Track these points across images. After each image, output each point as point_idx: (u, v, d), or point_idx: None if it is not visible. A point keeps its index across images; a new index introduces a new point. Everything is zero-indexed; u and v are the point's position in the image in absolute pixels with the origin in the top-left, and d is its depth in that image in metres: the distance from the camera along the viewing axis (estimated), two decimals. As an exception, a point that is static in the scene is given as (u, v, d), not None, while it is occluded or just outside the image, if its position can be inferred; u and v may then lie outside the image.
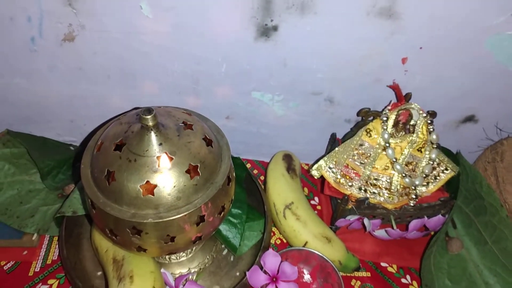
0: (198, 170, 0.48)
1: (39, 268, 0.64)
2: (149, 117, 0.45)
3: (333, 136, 0.70)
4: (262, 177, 0.77)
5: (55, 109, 0.70)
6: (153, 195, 0.46)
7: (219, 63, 0.61)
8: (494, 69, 0.62)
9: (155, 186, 0.46)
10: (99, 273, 0.63)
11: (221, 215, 0.53)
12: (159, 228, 0.47)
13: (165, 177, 0.46)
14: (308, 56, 0.60)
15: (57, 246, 0.67)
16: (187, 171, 0.47)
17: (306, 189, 0.75)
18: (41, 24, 0.56)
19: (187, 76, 0.63)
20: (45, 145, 0.74)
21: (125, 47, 0.59)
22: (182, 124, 0.50)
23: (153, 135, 0.47)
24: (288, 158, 0.73)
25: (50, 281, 0.62)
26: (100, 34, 0.57)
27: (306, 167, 0.80)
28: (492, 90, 0.65)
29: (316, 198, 0.76)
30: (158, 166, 0.46)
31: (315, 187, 0.77)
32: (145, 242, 0.49)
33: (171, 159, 0.47)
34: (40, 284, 0.62)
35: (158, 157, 0.47)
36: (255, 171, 0.78)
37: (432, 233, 0.70)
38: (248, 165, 0.79)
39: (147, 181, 0.46)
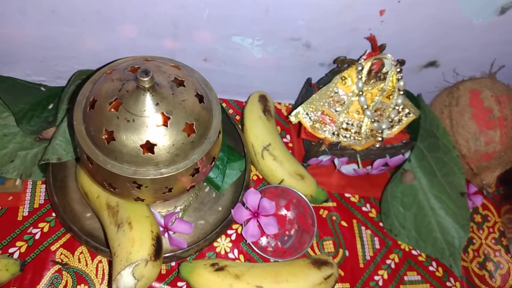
0: (194, 127, 0.50)
1: (27, 213, 0.65)
2: (146, 79, 0.46)
3: (308, 80, 0.73)
4: (237, 117, 0.80)
5: (24, 49, 0.66)
6: (153, 153, 0.49)
7: (202, 8, 0.60)
8: (460, 21, 0.66)
9: (155, 145, 0.48)
10: (88, 214, 0.66)
11: (212, 164, 0.57)
12: (158, 182, 0.50)
13: (164, 136, 0.48)
14: (290, 5, 0.60)
15: (41, 190, 0.68)
16: (184, 130, 0.49)
17: (278, 128, 0.80)
18: (10, -36, 0.51)
19: (168, 21, 0.62)
20: (15, 86, 0.71)
21: (102, -9, 0.56)
22: (174, 81, 0.51)
23: (149, 96, 0.48)
24: (263, 100, 0.76)
25: (40, 225, 0.65)
26: (76, -24, 0.54)
27: (279, 107, 0.83)
28: (455, 40, 0.70)
29: (288, 136, 0.81)
30: (157, 125, 0.48)
31: (286, 126, 0.82)
32: (144, 194, 0.52)
33: (168, 118, 0.48)
34: (31, 227, 0.64)
35: (155, 117, 0.48)
36: (230, 111, 0.81)
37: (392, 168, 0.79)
38: (224, 105, 0.81)
39: (147, 141, 0.48)
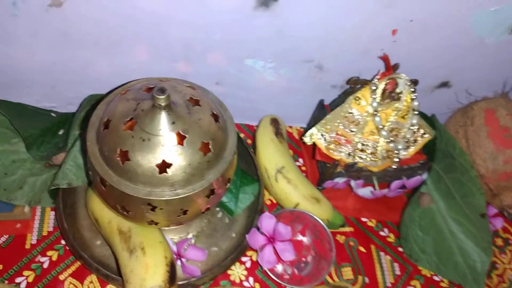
0: (210, 147, 0.49)
1: (35, 241, 0.63)
2: (162, 97, 0.45)
3: (321, 102, 0.72)
4: (249, 141, 0.79)
5: (35, 75, 0.66)
6: (168, 173, 0.47)
7: (214, 31, 0.60)
8: (472, 41, 0.66)
9: (171, 164, 0.47)
10: (99, 242, 0.64)
11: (227, 186, 0.55)
12: (173, 203, 0.49)
13: (180, 155, 0.47)
14: (304, 26, 0.60)
15: (51, 217, 0.66)
16: (200, 149, 0.48)
17: (291, 151, 0.79)
18: (25, -12, 0.52)
19: (180, 43, 0.62)
20: (24, 112, 0.70)
21: (115, 13, 0.56)
22: (190, 100, 0.50)
23: (165, 115, 0.47)
24: (275, 123, 0.75)
25: (49, 253, 0.63)
26: None
27: (290, 130, 0.82)
28: (467, 60, 0.70)
29: (301, 160, 0.79)
30: (173, 144, 0.47)
31: (298, 149, 0.81)
32: (158, 217, 0.51)
33: (184, 137, 0.47)
34: (39, 256, 0.62)
35: (171, 136, 0.47)
36: (242, 135, 0.80)
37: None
38: (235, 129, 0.80)
39: (163, 160, 0.47)
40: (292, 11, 0.58)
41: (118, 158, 0.47)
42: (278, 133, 0.74)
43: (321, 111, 0.71)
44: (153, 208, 0.49)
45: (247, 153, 0.73)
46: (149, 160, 0.47)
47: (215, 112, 0.52)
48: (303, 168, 0.78)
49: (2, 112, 0.66)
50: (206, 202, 0.52)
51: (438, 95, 0.78)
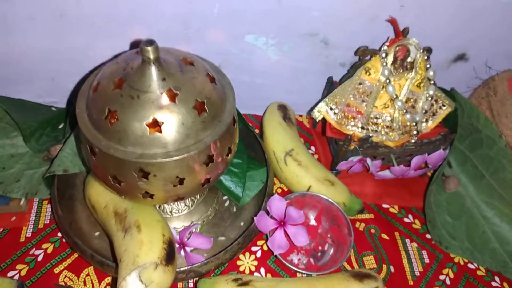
0: (205, 106, 0.45)
1: (30, 233, 0.60)
2: (150, 48, 0.42)
3: (329, 79, 0.68)
4: (257, 131, 0.75)
5: (34, 66, 0.65)
6: (161, 132, 0.43)
7: (212, 3, 0.58)
8: (487, 2, 0.61)
9: (162, 123, 0.43)
10: (97, 233, 0.60)
11: (228, 157, 0.51)
12: (168, 168, 0.45)
13: (172, 113, 0.43)
14: (304, -8, 0.58)
15: (47, 210, 0.63)
16: (194, 107, 0.45)
17: (302, 139, 0.74)
18: (16, -36, 0.51)
19: (178, 20, 0.60)
20: (24, 107, 0.69)
21: (110, -11, 0.55)
22: (183, 60, 0.47)
23: (155, 69, 0.44)
24: (283, 108, 0.72)
25: (44, 246, 0.59)
26: (83, -26, 0.53)
27: (300, 119, 0.78)
28: (482, 26, 0.66)
29: (313, 148, 0.75)
30: (164, 102, 0.43)
31: (310, 137, 0.76)
32: (152, 186, 0.46)
33: (176, 94, 0.44)
34: (34, 249, 0.58)
35: (162, 93, 0.44)
36: (250, 125, 0.76)
37: (431, 172, 0.71)
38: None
39: (154, 118, 0.43)
40: (290, -25, 0.55)
41: (106, 119, 0.44)
42: (286, 117, 0.70)
43: (331, 88, 0.67)
44: (146, 175, 0.45)
45: (254, 141, 0.68)
46: (139, 119, 0.43)
47: (210, 74, 0.48)
48: (316, 156, 0.73)
49: (1, 106, 0.65)
50: (204, 171, 0.48)
51: (455, 70, 0.73)
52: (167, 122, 0.43)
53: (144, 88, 0.44)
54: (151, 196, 0.48)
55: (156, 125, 0.44)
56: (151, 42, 0.43)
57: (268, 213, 0.60)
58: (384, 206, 0.69)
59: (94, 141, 0.44)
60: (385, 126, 0.62)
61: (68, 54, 0.63)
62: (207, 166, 0.48)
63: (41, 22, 0.58)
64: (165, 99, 0.44)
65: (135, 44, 0.61)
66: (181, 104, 0.44)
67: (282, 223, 0.59)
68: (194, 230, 0.60)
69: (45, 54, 0.63)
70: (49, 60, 0.64)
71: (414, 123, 0.62)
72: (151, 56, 0.43)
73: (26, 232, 0.60)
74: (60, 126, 0.69)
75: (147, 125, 0.43)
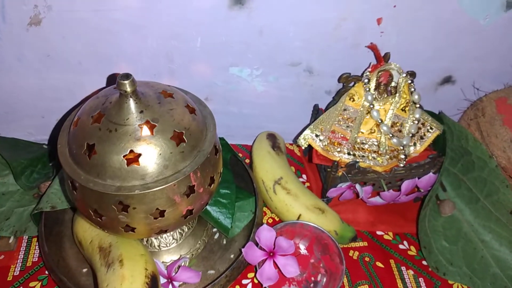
0: (184, 137, 0.46)
1: (18, 272, 0.59)
2: (127, 82, 0.43)
3: (315, 107, 0.69)
4: (247, 160, 0.75)
5: (24, 105, 0.66)
6: (139, 164, 0.44)
7: (194, 37, 0.59)
8: (466, 24, 0.62)
9: (140, 155, 0.44)
10: (85, 270, 0.59)
11: (211, 187, 0.50)
12: (147, 200, 0.45)
13: (150, 145, 0.44)
14: (284, 23, 0.59)
15: (36, 248, 0.62)
16: (172, 138, 0.45)
17: (293, 168, 0.74)
18: (3, 7, 0.53)
19: (161, 54, 0.61)
20: (17, 145, 0.70)
21: (94, 28, 0.57)
22: (162, 93, 0.48)
23: (132, 102, 0.44)
24: (272, 137, 0.72)
25: (31, 284, 0.58)
26: (68, 14, 0.55)
27: (291, 147, 0.78)
28: (466, 47, 0.66)
29: (304, 176, 0.74)
30: (141, 134, 0.44)
31: (301, 165, 0.76)
32: (133, 219, 0.46)
33: (154, 126, 0.44)
34: (21, 287, 0.57)
35: (140, 125, 0.44)
36: (240, 155, 0.76)
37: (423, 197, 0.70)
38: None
39: (131, 150, 0.43)
40: (268, 7, 0.57)
41: (85, 154, 0.44)
42: (275, 146, 0.70)
43: (317, 115, 0.67)
44: (125, 208, 0.45)
45: (243, 171, 0.68)
46: (117, 152, 0.43)
47: (190, 105, 0.49)
48: (307, 184, 0.73)
49: (-8, 145, 0.66)
50: (185, 202, 0.47)
51: (443, 93, 0.73)
52: (144, 153, 0.44)
53: (121, 121, 0.44)
54: (133, 229, 0.47)
55: (134, 157, 0.44)
56: (127, 76, 0.43)
57: (257, 244, 0.59)
58: (378, 233, 0.67)
59: (74, 176, 0.45)
60: (372, 151, 0.62)
61: (56, 92, 0.65)
62: (188, 197, 0.47)
63: (29, 63, 0.60)
64: (143, 131, 0.44)
65: (111, 79, 0.62)
66: (159, 135, 0.44)
67: (271, 254, 0.58)
68: (182, 264, 0.59)
69: (34, 93, 0.64)
70: (38, 99, 0.65)
71: (401, 147, 0.61)
72: (128, 89, 0.43)
73: (14, 271, 0.59)
74: (51, 164, 0.69)
75: (125, 158, 0.43)
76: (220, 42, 0.60)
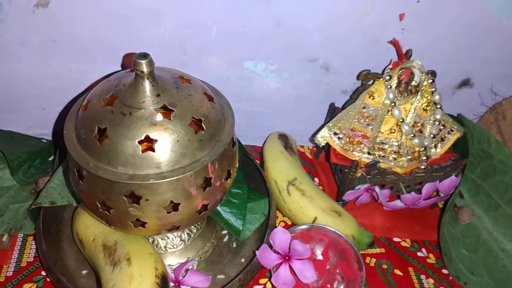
0: (202, 124, 0.42)
1: (11, 272, 0.55)
2: (144, 61, 0.40)
3: (331, 106, 0.66)
4: (257, 161, 0.72)
5: (25, 94, 0.63)
6: (154, 151, 0.40)
7: (209, 27, 0.57)
8: (488, 23, 0.60)
9: (156, 141, 0.40)
10: (84, 271, 0.55)
11: (227, 181, 0.47)
12: (161, 191, 0.41)
13: (167, 130, 0.40)
14: (303, 14, 0.57)
15: (32, 247, 0.58)
16: (191, 125, 0.42)
17: (304, 169, 0.70)
18: (9, -14, 0.50)
19: (174, 44, 0.58)
20: (13, 138, 0.66)
21: (105, 11, 0.54)
22: (179, 78, 0.45)
23: (149, 85, 0.41)
24: (283, 137, 0.69)
25: (26, 286, 0.53)
26: (78, -4, 0.52)
27: (302, 150, 0.75)
28: (486, 50, 0.64)
29: (316, 179, 0.71)
30: (157, 118, 0.41)
31: (313, 168, 0.72)
32: (144, 212, 0.42)
33: (171, 111, 0.41)
34: (14, 289, 0.53)
35: (156, 109, 0.41)
36: (250, 154, 0.73)
37: (443, 203, 0.67)
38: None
39: (146, 136, 0.40)
40: (289, -2, 0.54)
41: (96, 138, 0.41)
42: (287, 146, 0.67)
43: (333, 115, 0.65)
44: (137, 200, 0.41)
45: (255, 170, 0.65)
46: (130, 137, 0.40)
47: (208, 93, 0.46)
48: (320, 188, 0.69)
49: (-13, 137, 0.62)
50: (201, 195, 0.44)
51: (460, 97, 0.71)
52: (161, 140, 0.40)
53: (136, 104, 0.41)
54: (143, 224, 0.44)
55: (149, 143, 0.40)
56: (145, 55, 0.40)
57: (271, 247, 0.55)
58: (395, 239, 0.64)
59: (81, 163, 0.41)
60: (392, 152, 0.59)
61: (60, 82, 0.61)
62: (204, 190, 0.44)
63: (34, 48, 0.57)
64: (159, 116, 0.41)
65: (127, 60, 0.59)
66: (177, 121, 0.41)
67: (286, 257, 0.54)
68: (190, 267, 0.55)
69: (37, 82, 0.61)
70: (40, 89, 0.62)
71: (423, 148, 0.59)
72: (145, 69, 0.40)
73: (7, 271, 0.55)
74: (50, 159, 0.65)
75: (139, 143, 0.40)
76: (236, 33, 0.58)
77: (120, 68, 0.60)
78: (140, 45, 0.58)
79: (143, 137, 0.40)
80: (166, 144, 0.40)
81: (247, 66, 0.62)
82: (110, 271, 0.44)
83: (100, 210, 0.43)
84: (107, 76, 0.49)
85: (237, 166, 0.50)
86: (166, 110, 0.41)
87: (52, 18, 0.54)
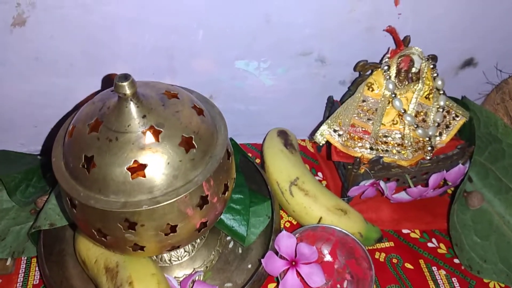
0: (193, 142, 0.41)
1: (18, 297, 0.54)
2: (125, 83, 0.38)
3: (330, 99, 0.64)
4: (257, 160, 0.70)
5: (13, 113, 0.61)
6: (145, 176, 0.39)
7: (195, 30, 0.54)
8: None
9: (145, 165, 0.38)
10: (91, 291, 0.55)
11: (225, 195, 0.45)
12: (156, 216, 0.40)
13: (156, 153, 0.39)
14: (291, 8, 0.54)
15: (37, 269, 0.57)
16: (181, 144, 0.40)
17: (307, 166, 0.69)
18: (-18, 7, 0.48)
19: (161, 51, 0.56)
20: (7, 158, 0.64)
21: (85, 25, 0.51)
22: (165, 94, 0.43)
23: (133, 106, 0.39)
24: (283, 134, 0.67)
25: (34, 309, 0.53)
26: (55, 11, 0.50)
27: (303, 144, 0.73)
28: (488, 25, 0.61)
29: (320, 174, 0.69)
30: (145, 141, 0.39)
31: (316, 162, 0.71)
32: (141, 238, 0.41)
33: (159, 132, 0.39)
34: (22, 314, 0.53)
35: (143, 132, 0.39)
36: (249, 155, 0.71)
37: (452, 189, 0.65)
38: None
39: (135, 161, 0.38)
40: (275, -8, 0.51)
41: (83, 167, 0.39)
42: (287, 144, 0.65)
43: (332, 109, 0.62)
44: (132, 226, 0.40)
45: (255, 172, 0.63)
46: (119, 163, 0.38)
47: (197, 106, 0.44)
48: (324, 183, 0.68)
49: (-18, 160, 0.61)
50: (199, 214, 0.42)
51: (464, 77, 0.68)
52: (151, 164, 0.39)
53: (122, 128, 0.39)
54: (142, 248, 0.42)
55: (139, 168, 0.39)
56: (126, 77, 0.38)
57: (276, 252, 0.54)
58: (404, 231, 0.63)
59: (72, 193, 0.40)
60: (396, 145, 0.57)
61: (48, 98, 0.60)
62: (201, 209, 0.42)
63: (15, 67, 0.55)
64: (147, 139, 0.39)
65: (107, 81, 0.57)
66: (166, 142, 0.39)
67: (293, 262, 0.53)
68: (197, 279, 0.54)
69: (24, 100, 0.59)
70: (28, 106, 0.60)
71: (427, 138, 0.56)
72: (128, 92, 0.38)
73: (13, 296, 0.54)
74: (47, 176, 0.64)
75: (129, 170, 0.38)
76: (224, 34, 0.55)
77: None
78: (125, 55, 0.56)
79: (131, 163, 0.38)
80: (157, 168, 0.39)
81: (238, 66, 0.60)
82: (114, 297, 0.44)
83: (97, 237, 0.42)
84: (95, 94, 0.47)
85: (234, 177, 0.48)
86: (154, 131, 0.39)
87: (31, 36, 0.51)
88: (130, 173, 0.38)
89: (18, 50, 0.53)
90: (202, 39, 0.55)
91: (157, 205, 0.39)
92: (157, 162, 0.39)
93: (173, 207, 0.40)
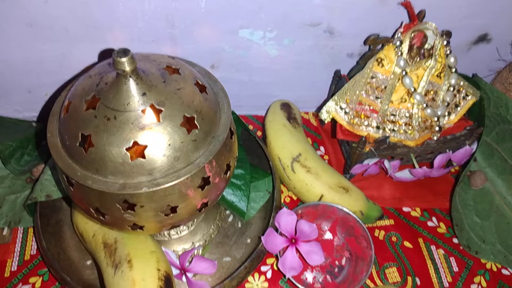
0: (195, 122, 0.39)
1: (16, 267, 0.54)
2: (124, 59, 0.35)
3: (337, 73, 0.61)
4: (259, 133, 0.69)
5: (8, 79, 0.58)
6: (144, 157, 0.37)
7: (197, -6, 0.51)
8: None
9: (145, 146, 0.37)
10: (89, 262, 0.54)
11: (227, 175, 0.44)
12: (156, 198, 0.38)
13: (156, 134, 0.37)
14: (303, -24, 0.50)
15: (34, 239, 0.57)
16: (182, 124, 0.38)
17: (309, 140, 0.67)
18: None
19: (161, 18, 0.53)
20: (2, 125, 0.63)
21: (81, -12, 0.48)
22: (166, 69, 0.40)
23: (132, 84, 0.37)
24: (286, 107, 0.65)
25: (31, 280, 0.53)
26: (47, -27, 0.46)
27: (306, 116, 0.71)
28: (504, 1, 0.58)
29: (322, 148, 0.68)
30: (145, 121, 0.37)
31: (318, 137, 0.69)
32: (141, 218, 0.40)
33: (160, 111, 0.37)
34: (20, 284, 0.53)
35: (143, 111, 0.37)
36: (250, 127, 0.70)
37: (456, 168, 0.64)
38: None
39: (134, 142, 0.37)
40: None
41: (80, 146, 0.37)
42: (290, 117, 0.63)
43: (339, 83, 0.60)
44: (132, 207, 0.39)
45: (257, 146, 0.62)
46: (117, 144, 0.37)
47: (200, 82, 0.41)
48: (326, 157, 0.67)
49: (-25, 126, 0.59)
50: (200, 195, 0.41)
51: (476, 53, 0.65)
52: (151, 144, 0.37)
53: (121, 106, 0.37)
54: (141, 227, 0.42)
55: (138, 149, 0.37)
56: (125, 52, 0.36)
57: (276, 229, 0.53)
58: (405, 209, 0.62)
59: (68, 172, 0.38)
60: (403, 124, 0.55)
61: (43, 64, 0.57)
62: (202, 190, 0.41)
63: (8, 33, 0.52)
64: (147, 118, 0.37)
65: (106, 54, 0.54)
66: (167, 122, 0.37)
67: (293, 240, 0.53)
68: (196, 253, 0.54)
69: (17, 66, 0.56)
70: (22, 72, 0.57)
71: (435, 118, 0.55)
72: (127, 68, 0.36)
73: (11, 266, 0.54)
74: (43, 144, 0.62)
75: (128, 150, 0.37)
76: (228, 2, 0.52)
77: (104, 47, 0.55)
78: (123, 21, 0.52)
79: (131, 144, 0.37)
80: (157, 149, 0.37)
81: (242, 35, 0.57)
82: (112, 274, 0.43)
83: (95, 215, 0.41)
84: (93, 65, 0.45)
85: (236, 155, 0.47)
86: (155, 110, 0.37)
87: (24, 1, 0.48)
88: (129, 154, 0.37)
89: (11, 17, 0.50)
90: (205, 6, 0.52)
91: (158, 188, 0.37)
92: (158, 143, 0.37)
93: (174, 189, 0.38)
